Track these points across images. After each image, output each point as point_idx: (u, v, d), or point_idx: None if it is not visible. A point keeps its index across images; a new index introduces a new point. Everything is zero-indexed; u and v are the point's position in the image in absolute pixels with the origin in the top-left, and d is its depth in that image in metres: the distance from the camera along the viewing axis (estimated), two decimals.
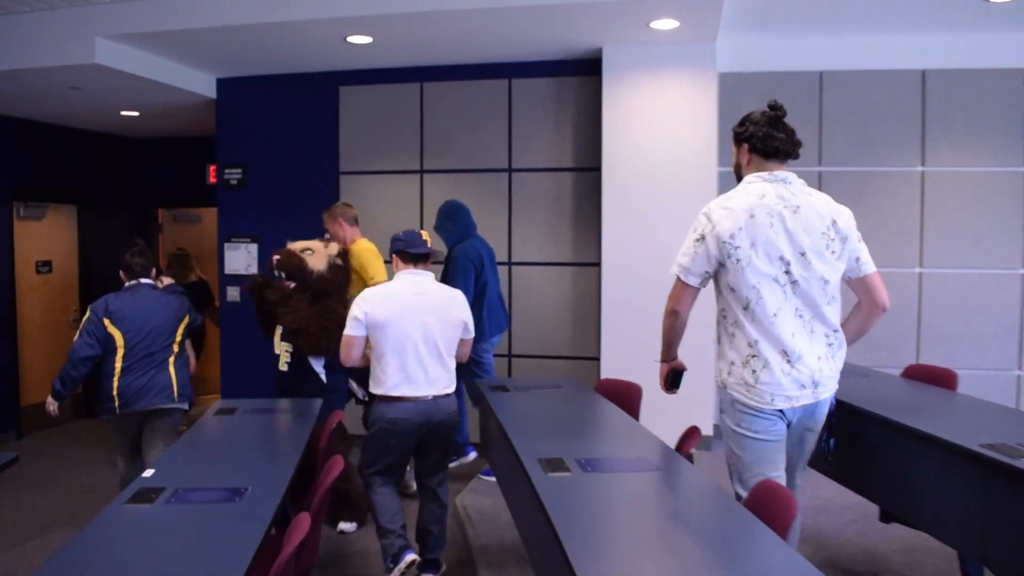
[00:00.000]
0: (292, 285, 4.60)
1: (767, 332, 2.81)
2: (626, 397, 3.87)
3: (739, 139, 3.01)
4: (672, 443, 3.12)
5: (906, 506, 3.23)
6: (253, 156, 6.70)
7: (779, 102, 3.01)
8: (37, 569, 2.10)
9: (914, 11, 5.30)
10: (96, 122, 7.91)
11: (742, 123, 3.02)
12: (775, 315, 2.80)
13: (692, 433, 3.05)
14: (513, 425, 3.27)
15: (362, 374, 4.28)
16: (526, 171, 6.18)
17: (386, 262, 4.89)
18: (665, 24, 5.15)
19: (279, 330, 4.62)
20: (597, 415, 3.63)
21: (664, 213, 5.59)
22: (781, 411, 2.87)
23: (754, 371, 2.84)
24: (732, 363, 2.91)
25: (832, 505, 4.80)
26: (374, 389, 3.77)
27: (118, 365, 4.37)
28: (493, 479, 5.15)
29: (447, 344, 3.76)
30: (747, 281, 2.81)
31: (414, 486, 4.27)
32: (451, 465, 5.14)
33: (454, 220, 5.23)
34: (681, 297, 2.95)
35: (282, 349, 4.60)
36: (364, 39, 5.48)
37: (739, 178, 3.05)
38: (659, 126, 5.68)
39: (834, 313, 2.91)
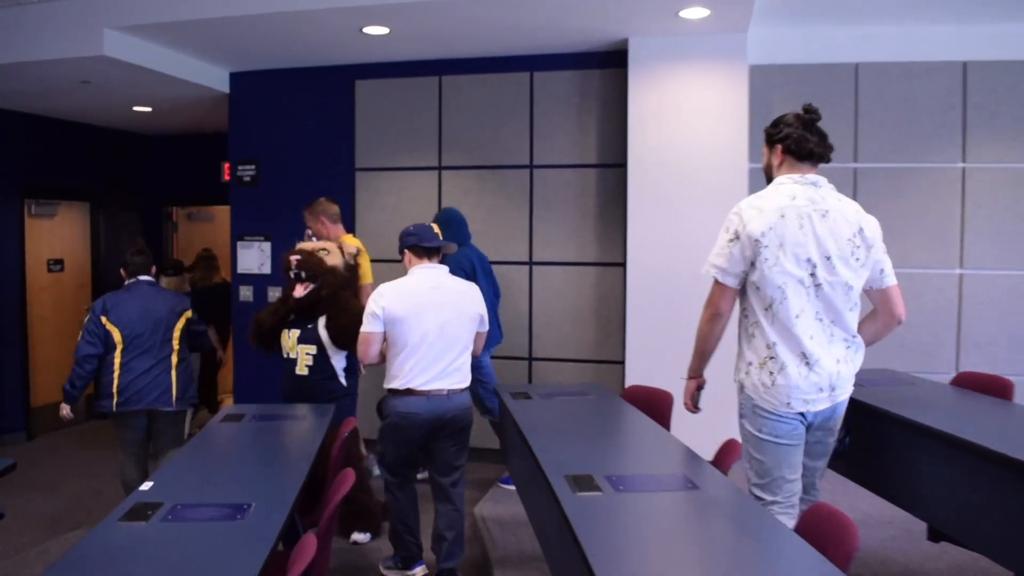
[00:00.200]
0: (310, 287, 4.42)
1: (787, 334, 2.84)
2: (656, 405, 3.64)
3: (772, 140, 3.02)
4: (703, 454, 2.92)
5: (959, 525, 3.00)
6: (266, 152, 6.54)
7: (814, 105, 3.03)
8: None
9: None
10: (108, 118, 7.79)
11: (776, 124, 3.05)
12: (797, 317, 2.82)
13: (731, 447, 2.82)
14: (536, 436, 3.05)
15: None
16: (548, 167, 5.97)
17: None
18: (695, 13, 4.92)
19: (289, 333, 4.43)
20: (626, 425, 3.39)
21: (692, 211, 5.36)
22: (802, 414, 2.89)
23: (771, 373, 2.86)
24: (750, 363, 2.93)
25: (871, 519, 4.55)
26: (387, 384, 3.74)
27: (117, 361, 4.47)
28: (512, 487, 4.97)
29: (464, 338, 3.75)
30: (773, 281, 2.82)
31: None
32: None
33: (448, 228, 5.02)
34: (721, 300, 2.93)
35: (301, 352, 4.42)
36: (381, 30, 5.29)
37: (769, 179, 3.07)
38: (687, 120, 5.45)
39: (854, 319, 2.94)
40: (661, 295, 5.45)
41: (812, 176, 2.96)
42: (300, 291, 4.43)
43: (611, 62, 5.76)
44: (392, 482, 3.88)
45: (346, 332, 4.28)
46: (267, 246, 6.44)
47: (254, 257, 6.54)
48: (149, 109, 7.28)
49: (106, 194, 8.26)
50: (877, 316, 3.06)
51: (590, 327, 5.94)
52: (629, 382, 5.52)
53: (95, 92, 6.40)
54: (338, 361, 4.44)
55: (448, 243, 4.02)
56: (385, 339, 3.72)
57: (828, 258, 2.82)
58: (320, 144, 6.40)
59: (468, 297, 3.81)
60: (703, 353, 3.07)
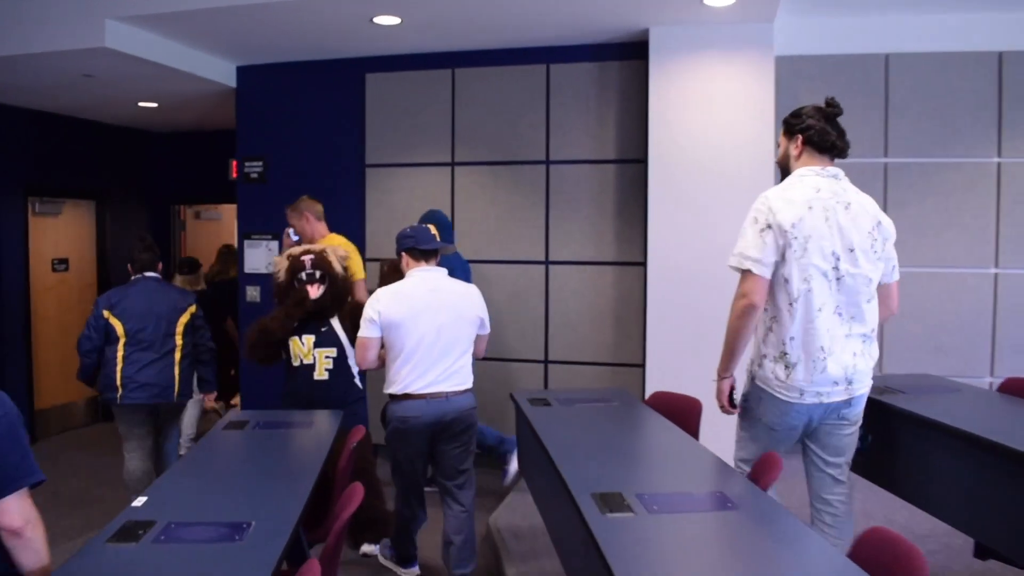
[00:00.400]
0: (322, 287, 4.27)
1: (805, 328, 2.86)
2: (684, 413, 3.42)
3: (793, 130, 3.04)
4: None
5: (1011, 542, 2.77)
6: (274, 148, 6.37)
7: (836, 99, 3.06)
8: None
9: None
10: (114, 114, 7.64)
11: (797, 115, 3.06)
12: (819, 310, 2.85)
13: (771, 462, 2.59)
14: (559, 448, 2.82)
15: None
16: (565, 163, 5.76)
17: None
18: (720, 1, 4.70)
19: (302, 339, 4.23)
20: (654, 435, 3.17)
21: (716, 207, 5.14)
22: (809, 408, 2.92)
23: (786, 367, 2.89)
24: (764, 356, 2.95)
25: (908, 532, 4.24)
26: (386, 389, 3.71)
27: (119, 354, 4.59)
28: (510, 472, 5.00)
29: (463, 341, 3.71)
30: (801, 274, 2.84)
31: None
32: (504, 483, 5.08)
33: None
34: (755, 290, 2.86)
35: (319, 356, 4.24)
36: (392, 20, 5.10)
37: (784, 169, 3.11)
38: (711, 113, 5.23)
39: (873, 313, 2.96)
40: (683, 295, 5.24)
41: (832, 169, 3.00)
42: (315, 292, 4.28)
43: (631, 53, 5.55)
44: (402, 494, 3.82)
45: None
46: (275, 245, 6.26)
47: (261, 256, 6.37)
48: (155, 105, 7.13)
49: (112, 192, 8.12)
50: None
51: (608, 329, 5.73)
52: (649, 386, 5.35)
53: (99, 87, 6.24)
54: (354, 363, 4.29)
55: (446, 244, 3.97)
56: (383, 344, 3.69)
57: (851, 251, 2.85)
58: (329, 140, 6.23)
59: (467, 299, 3.77)
60: (735, 351, 2.99)
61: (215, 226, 9.22)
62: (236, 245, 6.55)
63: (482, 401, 5.87)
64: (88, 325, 4.64)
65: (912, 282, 5.36)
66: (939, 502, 3.11)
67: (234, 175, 6.54)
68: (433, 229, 3.86)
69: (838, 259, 2.84)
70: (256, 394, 6.31)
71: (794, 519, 2.21)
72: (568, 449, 2.83)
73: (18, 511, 2.10)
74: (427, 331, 3.60)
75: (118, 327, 4.59)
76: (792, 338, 2.87)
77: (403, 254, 3.78)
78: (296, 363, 4.24)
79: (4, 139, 6.95)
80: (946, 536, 3.97)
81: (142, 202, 8.52)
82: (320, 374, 4.25)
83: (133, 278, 4.82)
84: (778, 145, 3.21)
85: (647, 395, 5.32)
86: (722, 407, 3.12)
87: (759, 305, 2.87)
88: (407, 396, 3.62)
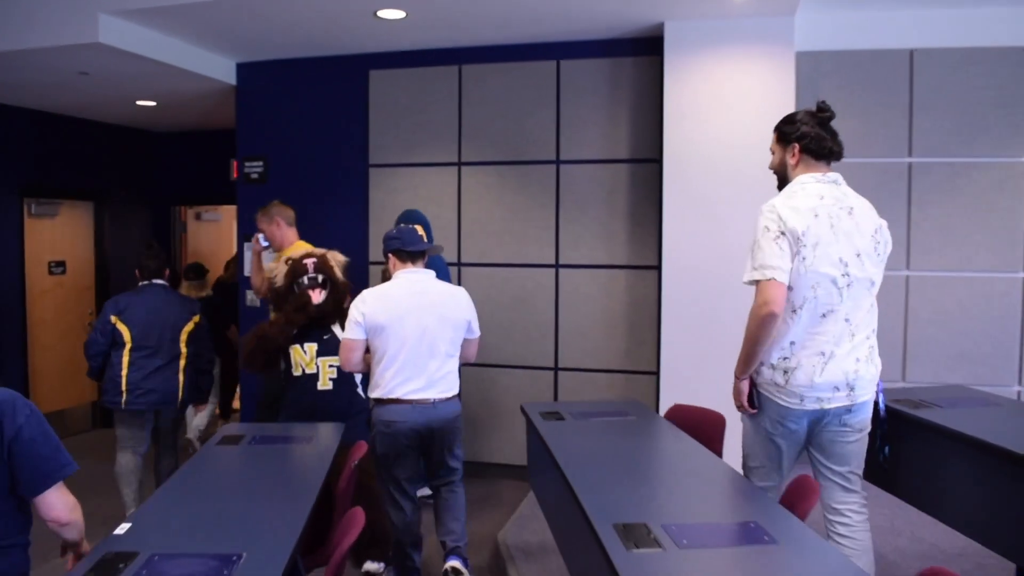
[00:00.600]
0: (324, 292, 4.11)
1: (808, 334, 2.86)
2: (706, 429, 3.21)
3: (789, 138, 3.02)
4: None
5: None
6: (275, 148, 6.18)
7: (827, 103, 3.04)
8: None
9: None
10: (112, 113, 7.46)
11: (790, 122, 3.05)
12: (823, 316, 2.85)
13: (807, 487, 2.37)
14: (576, 470, 2.61)
15: None
16: (576, 163, 5.56)
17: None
18: None
19: (304, 347, 4.04)
20: (677, 455, 2.96)
21: (733, 209, 4.92)
22: (809, 415, 2.90)
23: (785, 372, 2.87)
24: (763, 362, 2.92)
25: (938, 551, 4.11)
26: (372, 393, 3.67)
27: (125, 360, 4.65)
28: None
29: (449, 345, 3.67)
30: (807, 281, 2.83)
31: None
32: None
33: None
34: (777, 298, 2.78)
35: (323, 365, 4.06)
36: (396, 13, 4.90)
37: (781, 177, 3.10)
38: (729, 111, 5.03)
39: (873, 316, 2.98)
40: (699, 300, 5.04)
41: (832, 174, 3.00)
42: (318, 297, 4.11)
43: (645, 49, 5.36)
44: (390, 495, 3.75)
45: None
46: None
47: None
48: (154, 104, 6.95)
49: (111, 193, 7.95)
50: None
51: (621, 335, 5.53)
52: (664, 394, 5.16)
53: (95, 84, 6.07)
54: (356, 375, 4.12)
55: (435, 246, 3.88)
56: (367, 347, 3.65)
57: (858, 255, 2.87)
58: (332, 139, 6.04)
59: (454, 301, 3.72)
60: (753, 357, 2.92)
61: (216, 228, 9.05)
62: (237, 248, 6.35)
63: (490, 410, 5.76)
64: (96, 329, 4.73)
65: (936, 287, 5.17)
66: (981, 525, 2.91)
67: (235, 175, 6.37)
68: (420, 230, 3.78)
69: (847, 265, 2.84)
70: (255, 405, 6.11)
71: (840, 555, 2.01)
72: (585, 471, 2.62)
73: (61, 503, 2.33)
74: (413, 334, 3.56)
75: (125, 333, 4.67)
76: (793, 343, 2.87)
77: (389, 255, 3.73)
78: (297, 372, 4.04)
79: None
80: (978, 556, 3.79)
81: (142, 203, 8.35)
82: (324, 384, 4.07)
83: (140, 284, 4.90)
84: (772, 152, 3.16)
85: (662, 404, 5.16)
86: (740, 407, 3.05)
87: (779, 314, 2.81)
88: (393, 400, 3.58)
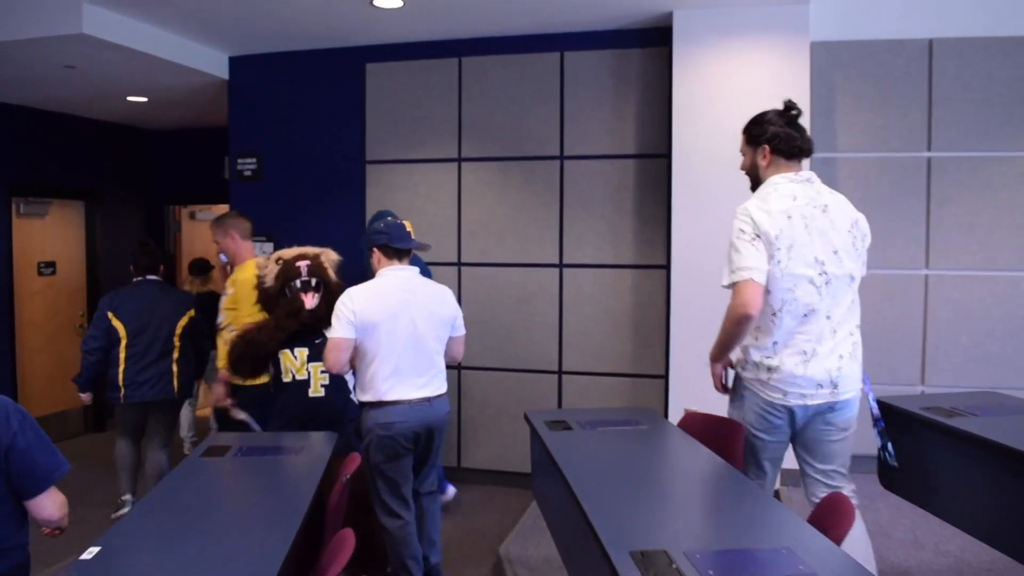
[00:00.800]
0: (318, 295, 3.94)
1: (789, 333, 2.89)
2: (723, 439, 3.00)
3: (758, 140, 3.04)
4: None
5: None
6: (269, 144, 5.99)
7: (793, 101, 3.08)
8: None
9: None
10: (103, 110, 7.27)
11: (758, 123, 3.07)
12: (805, 316, 2.87)
13: (841, 509, 2.15)
14: (587, 489, 2.38)
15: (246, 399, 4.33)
16: (580, 158, 5.36)
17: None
18: None
19: (295, 352, 3.84)
20: (695, 470, 2.74)
21: None
22: (791, 412, 2.93)
23: (769, 369, 2.91)
24: (748, 361, 2.98)
25: (965, 565, 3.89)
26: (363, 397, 3.56)
27: (122, 355, 4.79)
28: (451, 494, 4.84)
29: (438, 343, 3.63)
30: (784, 284, 2.85)
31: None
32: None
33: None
34: (754, 300, 2.82)
35: (315, 371, 3.88)
36: (393, 2, 4.71)
37: (753, 178, 3.10)
38: (740, 104, 4.69)
39: (855, 312, 2.98)
40: (708, 301, 4.74)
41: (805, 173, 3.01)
42: (311, 301, 3.93)
43: (652, 39, 5.17)
44: (386, 505, 3.59)
45: None
46: (269, 247, 5.85)
47: None
48: (145, 99, 6.76)
49: (103, 192, 7.75)
50: None
51: (627, 337, 5.33)
52: (672, 399, 4.97)
53: (83, 79, 5.88)
54: (350, 377, 3.91)
55: (423, 244, 3.79)
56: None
57: (835, 252, 2.88)
58: (327, 134, 5.85)
59: (440, 300, 3.67)
60: (728, 348, 3.04)
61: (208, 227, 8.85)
62: None
63: (490, 415, 5.56)
64: (93, 325, 4.86)
65: (957, 286, 4.97)
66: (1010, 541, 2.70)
67: (226, 175, 6.18)
68: (409, 226, 3.69)
69: (823, 264, 2.86)
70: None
71: None
72: (596, 488, 2.41)
73: (54, 504, 2.41)
74: (405, 332, 3.50)
75: (120, 328, 4.79)
76: (775, 343, 2.91)
77: (374, 250, 3.63)
78: (287, 379, 3.85)
79: None
80: (1008, 570, 3.59)
81: (135, 202, 8.17)
82: (316, 391, 3.88)
83: (135, 280, 5.01)
84: (743, 155, 3.16)
85: (670, 408, 4.98)
86: (717, 388, 3.17)
87: (755, 316, 2.85)
88: (390, 402, 3.49)
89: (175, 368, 4.89)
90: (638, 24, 5.16)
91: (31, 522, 2.48)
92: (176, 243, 8.56)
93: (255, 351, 3.83)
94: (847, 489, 2.99)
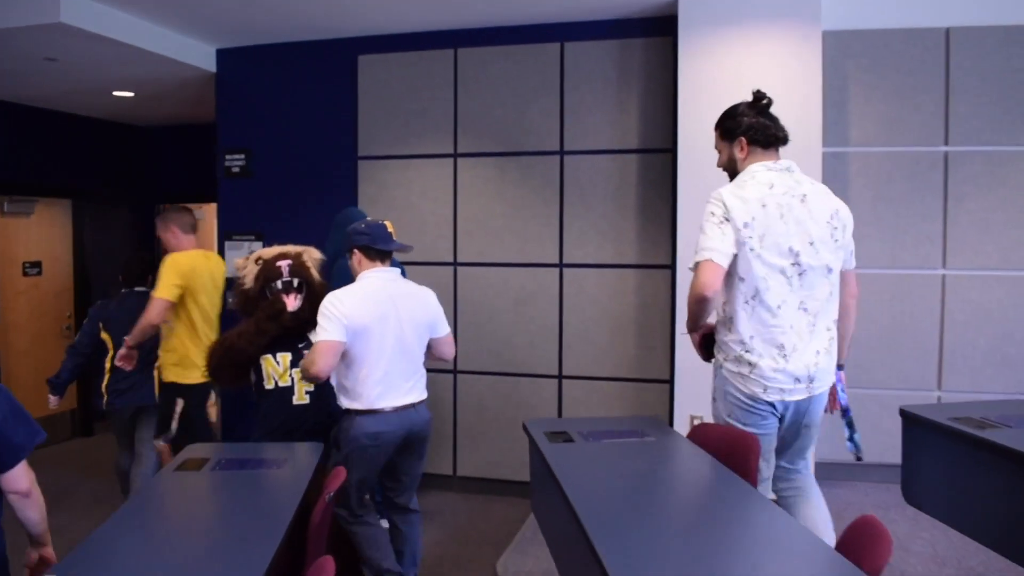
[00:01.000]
0: (300, 296, 3.75)
1: (765, 326, 2.87)
2: (737, 454, 2.77)
3: (734, 133, 3.05)
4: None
5: None
6: (259, 139, 5.79)
7: (763, 92, 3.10)
8: None
9: None
10: (89, 105, 7.05)
11: (731, 116, 3.10)
12: (779, 307, 2.86)
13: (875, 536, 1.93)
14: (592, 513, 2.15)
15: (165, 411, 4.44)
16: (582, 154, 5.16)
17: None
18: None
19: (276, 357, 3.63)
20: (711, 490, 2.50)
21: None
22: (772, 405, 2.92)
23: (749, 363, 2.89)
24: (728, 352, 2.97)
25: None
26: (348, 404, 3.42)
27: (107, 365, 4.77)
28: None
29: (421, 346, 3.56)
30: (758, 272, 2.84)
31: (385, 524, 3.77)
32: None
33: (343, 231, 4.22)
34: (711, 281, 2.81)
35: (298, 377, 3.71)
36: None
37: (732, 174, 3.08)
38: (749, 96, 4.59)
39: (834, 306, 2.98)
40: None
41: (784, 162, 2.99)
42: (293, 303, 3.73)
43: (657, 29, 4.97)
44: (361, 516, 3.51)
45: None
46: (258, 247, 5.63)
47: None
48: (132, 94, 6.55)
49: (91, 190, 7.55)
50: (840, 300, 3.05)
51: (630, 340, 5.12)
52: (678, 404, 4.77)
53: (65, 72, 5.68)
54: (336, 383, 3.69)
55: (405, 246, 3.63)
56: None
57: (811, 243, 2.86)
58: (319, 129, 5.64)
59: (422, 301, 3.58)
60: (697, 323, 3.01)
61: (201, 225, 8.64)
62: (217, 247, 5.96)
63: (487, 421, 5.35)
64: (84, 333, 4.83)
65: (975, 286, 4.77)
66: None
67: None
68: (390, 226, 3.56)
69: (797, 254, 2.84)
70: (235, 420, 5.75)
71: None
72: (601, 509, 2.19)
73: (25, 474, 2.38)
74: (392, 336, 3.41)
75: (107, 340, 4.76)
76: (752, 337, 2.89)
77: (355, 252, 3.49)
78: (270, 385, 3.64)
79: None
80: None
81: (124, 201, 7.96)
82: (300, 398, 3.68)
83: (122, 292, 4.95)
84: (718, 151, 3.16)
85: (675, 415, 4.78)
86: (700, 354, 3.16)
87: (713, 298, 2.84)
88: (378, 410, 3.39)
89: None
90: (642, 13, 4.95)
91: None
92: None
93: (235, 357, 3.63)
94: (807, 473, 3.14)
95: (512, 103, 5.25)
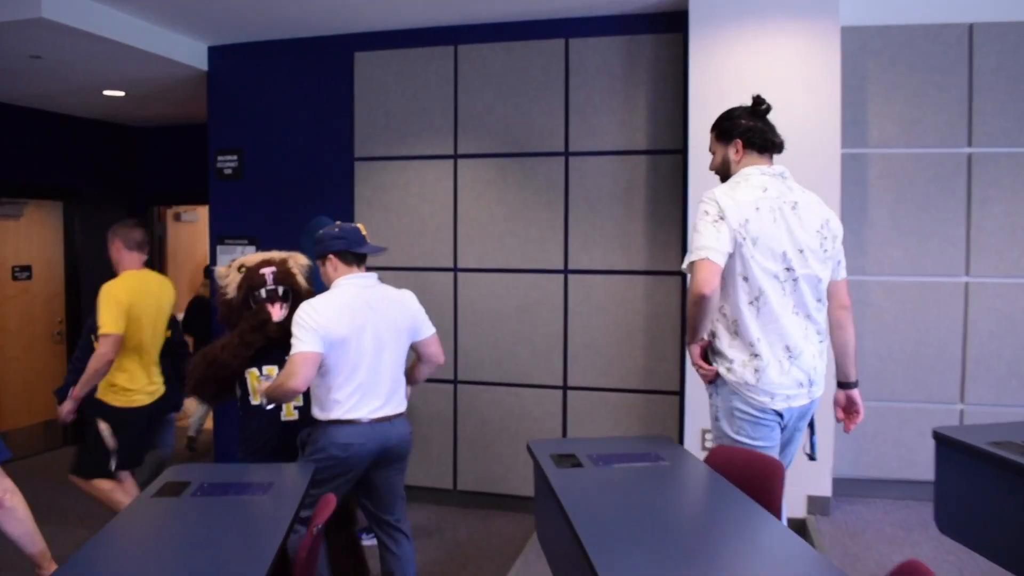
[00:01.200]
0: (286, 306, 3.55)
1: (770, 329, 2.85)
2: (758, 480, 2.56)
3: (730, 135, 3.03)
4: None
5: None
6: (252, 140, 5.62)
7: (762, 97, 3.07)
8: None
9: None
10: (80, 105, 6.89)
11: (729, 118, 3.07)
12: (775, 311, 2.84)
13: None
14: (600, 547, 1.96)
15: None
16: (587, 155, 4.98)
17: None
18: None
19: (262, 371, 3.44)
20: (732, 522, 2.26)
21: None
22: (779, 414, 2.89)
23: (756, 370, 2.85)
24: (732, 361, 2.89)
25: None
26: (321, 415, 3.27)
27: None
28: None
29: (401, 355, 3.43)
30: (754, 274, 2.82)
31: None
32: None
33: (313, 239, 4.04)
34: (709, 279, 2.75)
35: None
36: None
37: (725, 176, 3.05)
38: (764, 96, 4.38)
39: (823, 313, 2.98)
40: None
41: (778, 167, 2.97)
42: (279, 312, 3.53)
43: (666, 25, 4.80)
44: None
45: None
46: (251, 251, 5.48)
47: None
48: (122, 93, 6.38)
49: (82, 192, 7.37)
50: (831, 315, 3.05)
51: (639, 350, 4.93)
52: (688, 417, 4.60)
53: (52, 71, 5.52)
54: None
55: (380, 248, 3.48)
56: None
57: (801, 251, 2.85)
58: (313, 129, 5.48)
59: (401, 306, 3.44)
60: (698, 333, 2.93)
61: (193, 229, 8.51)
62: (210, 251, 5.79)
63: (489, 434, 5.15)
64: (80, 347, 4.64)
65: (1000, 294, 4.57)
66: None
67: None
68: (364, 229, 3.41)
69: (789, 261, 2.82)
70: (231, 433, 5.57)
71: None
72: (612, 545, 1.98)
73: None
74: (371, 346, 3.28)
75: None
76: (759, 339, 2.84)
77: (330, 257, 3.33)
78: (256, 401, 3.44)
79: None
80: None
81: (116, 203, 7.75)
82: (288, 414, 3.49)
83: None
84: (712, 153, 3.11)
85: (685, 428, 4.60)
86: (697, 367, 3.03)
87: (712, 296, 2.78)
88: (350, 421, 3.25)
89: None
90: (650, 8, 4.78)
91: None
92: (163, 247, 8.17)
93: (218, 372, 3.43)
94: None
95: (515, 102, 5.08)
